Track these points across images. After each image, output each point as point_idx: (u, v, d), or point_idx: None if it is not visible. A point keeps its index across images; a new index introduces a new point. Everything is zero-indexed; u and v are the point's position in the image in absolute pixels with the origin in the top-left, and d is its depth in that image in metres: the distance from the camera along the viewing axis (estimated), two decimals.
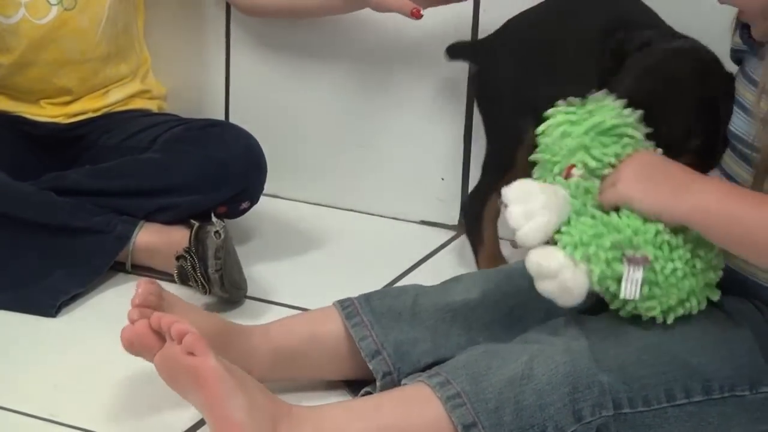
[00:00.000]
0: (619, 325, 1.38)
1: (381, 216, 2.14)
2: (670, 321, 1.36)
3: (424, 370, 1.42)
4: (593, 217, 1.37)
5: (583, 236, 1.34)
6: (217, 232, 1.72)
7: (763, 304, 1.41)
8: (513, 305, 1.51)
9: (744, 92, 1.43)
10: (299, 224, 2.12)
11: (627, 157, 1.40)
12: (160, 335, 1.37)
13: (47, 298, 1.75)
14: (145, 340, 1.38)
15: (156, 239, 1.83)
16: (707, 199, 1.33)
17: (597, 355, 1.33)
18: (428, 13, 1.84)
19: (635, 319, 1.38)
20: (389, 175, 2.12)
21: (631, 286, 1.34)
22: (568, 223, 1.36)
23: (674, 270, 1.35)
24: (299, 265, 1.95)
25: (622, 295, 1.34)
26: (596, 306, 1.42)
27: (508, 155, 1.75)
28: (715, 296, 1.38)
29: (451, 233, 2.06)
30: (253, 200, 1.95)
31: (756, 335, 1.37)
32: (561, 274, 1.33)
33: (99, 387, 1.54)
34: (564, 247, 1.34)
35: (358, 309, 1.51)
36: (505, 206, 1.36)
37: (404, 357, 1.46)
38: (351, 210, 2.15)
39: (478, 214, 1.83)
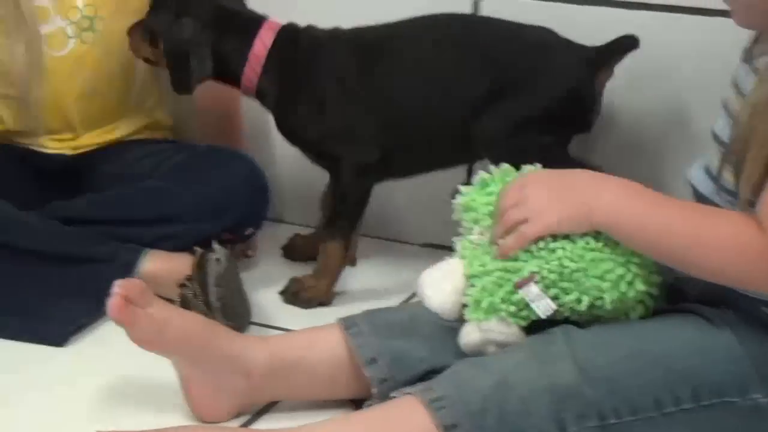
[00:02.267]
0: (606, 333, 1.39)
1: (385, 239, 2.14)
2: (609, 306, 1.39)
3: (419, 378, 1.44)
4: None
5: (475, 295, 1.42)
6: (218, 259, 1.73)
7: (744, 313, 1.40)
8: None
9: (729, 95, 1.43)
10: None
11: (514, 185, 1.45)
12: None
13: (55, 328, 1.76)
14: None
15: (161, 267, 1.83)
16: (616, 204, 1.37)
17: (583, 365, 1.33)
18: None
19: (622, 327, 1.40)
20: (393, 197, 2.13)
21: (538, 303, 1.39)
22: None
23: (561, 263, 1.39)
24: None
25: (542, 316, 1.39)
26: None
27: None
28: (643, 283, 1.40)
29: None
30: (258, 226, 1.95)
31: (741, 342, 1.37)
32: (488, 337, 1.42)
33: (105, 418, 1.54)
34: (470, 316, 1.43)
35: (356, 321, 1.52)
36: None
37: (401, 363, 1.47)
38: None
39: None
